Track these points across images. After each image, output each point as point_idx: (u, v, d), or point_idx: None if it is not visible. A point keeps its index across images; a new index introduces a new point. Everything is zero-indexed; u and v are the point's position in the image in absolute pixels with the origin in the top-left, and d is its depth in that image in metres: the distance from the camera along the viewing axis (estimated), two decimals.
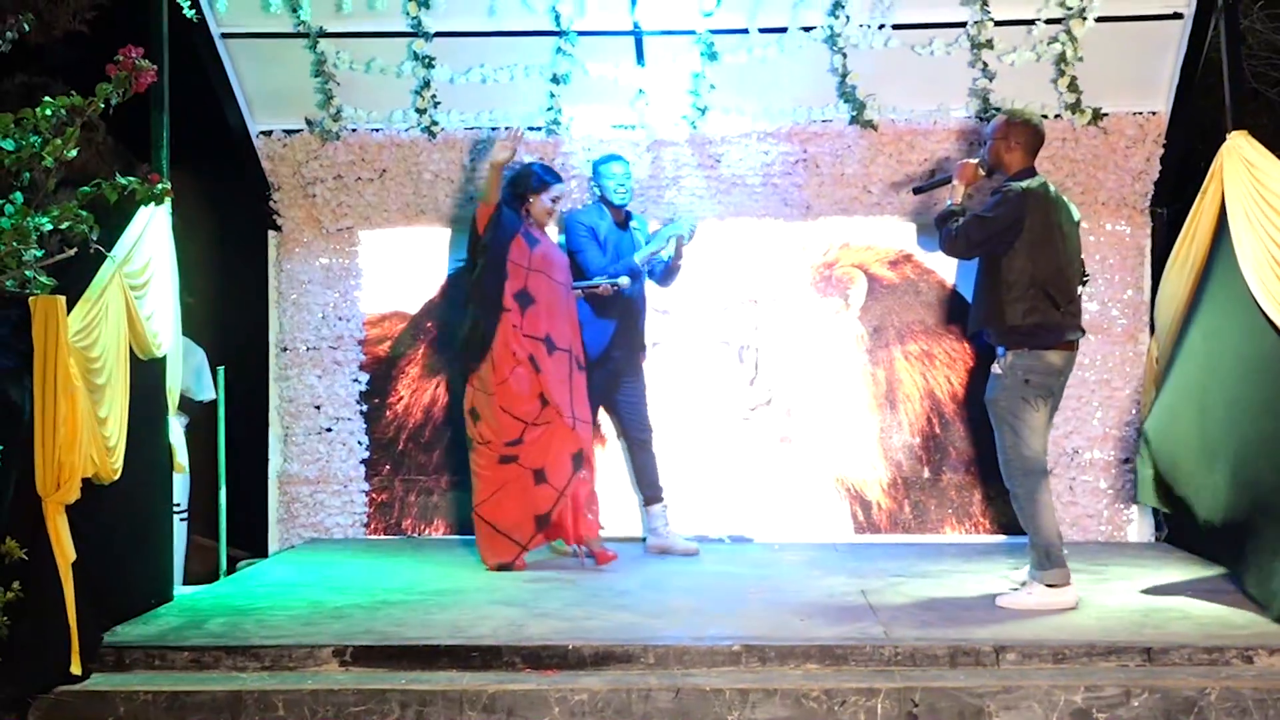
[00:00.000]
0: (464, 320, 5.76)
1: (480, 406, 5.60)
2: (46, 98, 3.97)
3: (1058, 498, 6.44)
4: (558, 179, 5.81)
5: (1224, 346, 5.07)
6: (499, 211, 5.63)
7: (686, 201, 6.53)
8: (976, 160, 5.01)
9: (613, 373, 6.07)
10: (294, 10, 6.01)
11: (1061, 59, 6.06)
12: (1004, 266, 4.69)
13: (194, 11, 5.37)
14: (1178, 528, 6.09)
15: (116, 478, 4.25)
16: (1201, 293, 5.27)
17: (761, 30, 6.09)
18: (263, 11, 5.94)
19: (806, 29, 6.07)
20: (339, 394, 6.64)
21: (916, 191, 5.31)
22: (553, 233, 6.11)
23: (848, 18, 6.01)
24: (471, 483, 5.72)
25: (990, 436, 6.60)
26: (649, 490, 6.14)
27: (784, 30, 6.08)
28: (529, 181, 5.73)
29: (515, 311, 5.59)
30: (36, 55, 6.78)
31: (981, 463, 6.48)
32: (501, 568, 5.55)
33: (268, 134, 6.55)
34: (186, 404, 5.98)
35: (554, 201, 5.77)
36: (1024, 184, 4.76)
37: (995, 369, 4.78)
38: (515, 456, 5.56)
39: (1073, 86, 6.11)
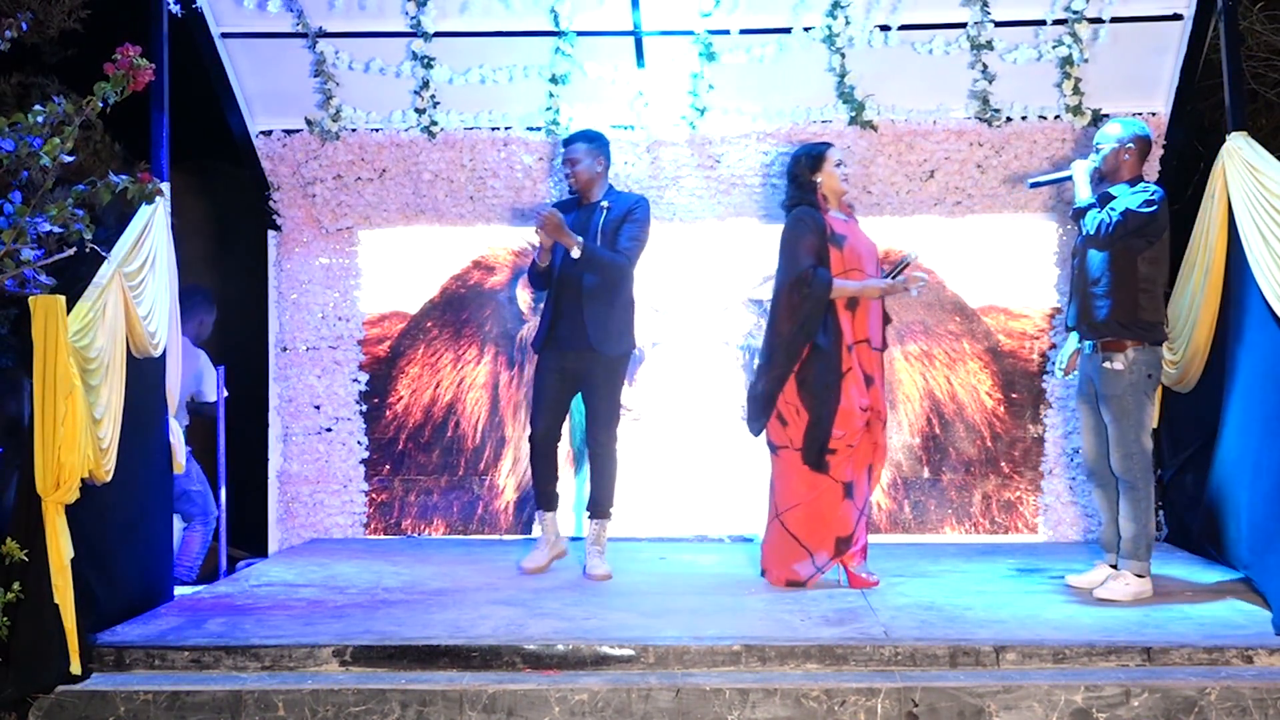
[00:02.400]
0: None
1: (785, 410, 5.04)
2: (37, 105, 3.96)
3: (1057, 498, 6.47)
4: (828, 144, 5.23)
5: (1247, 354, 5.08)
6: (797, 227, 5.03)
7: (686, 202, 6.54)
8: (1090, 163, 5.03)
9: (567, 372, 5.41)
10: (289, 9, 6.02)
11: (1067, 61, 6.07)
12: (1141, 263, 4.82)
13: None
14: (1178, 528, 6.10)
15: (109, 479, 4.25)
16: (1223, 303, 5.29)
17: (761, 30, 6.10)
18: (256, 9, 5.94)
19: (806, 29, 6.07)
20: (338, 394, 6.65)
21: (1033, 186, 5.36)
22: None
23: (847, 19, 6.01)
24: (772, 488, 5.15)
25: (987, 437, 6.63)
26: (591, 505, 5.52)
27: (783, 31, 6.09)
28: (804, 163, 5.13)
29: (846, 318, 5.02)
30: (32, 55, 6.79)
31: (981, 463, 6.49)
32: (792, 584, 5.00)
33: (267, 134, 6.55)
34: (190, 407, 5.99)
35: (839, 166, 5.13)
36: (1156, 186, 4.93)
37: (1111, 365, 4.84)
38: (825, 465, 4.98)
39: (1076, 89, 6.11)
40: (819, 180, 5.11)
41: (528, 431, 5.49)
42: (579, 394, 5.47)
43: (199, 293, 6.18)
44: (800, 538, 5.01)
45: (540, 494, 5.50)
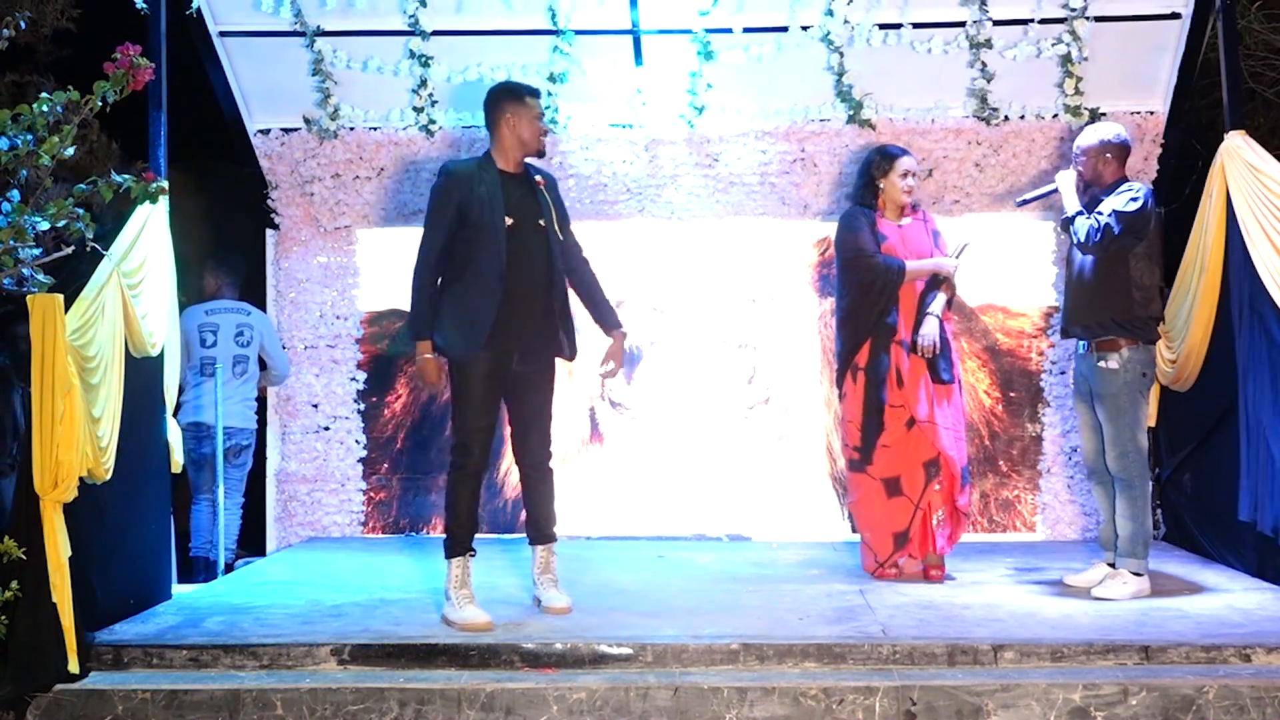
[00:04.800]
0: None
1: (841, 409, 5.33)
2: (44, 93, 3.96)
3: (1056, 497, 6.46)
4: (904, 152, 5.29)
5: (1250, 353, 5.09)
6: (851, 225, 5.20)
7: (684, 201, 6.54)
8: (1074, 173, 5.04)
9: (500, 379, 4.53)
10: (289, 7, 6.01)
11: (1065, 60, 6.07)
12: (1133, 260, 4.82)
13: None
14: (1175, 527, 6.10)
15: (108, 478, 4.25)
16: (1221, 302, 5.29)
17: (759, 29, 6.09)
18: (257, 9, 5.93)
19: (804, 27, 6.07)
20: (336, 392, 6.64)
21: (1020, 204, 5.36)
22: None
23: (846, 17, 6.01)
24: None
25: (985, 435, 6.63)
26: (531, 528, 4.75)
27: (781, 29, 6.09)
28: (871, 164, 5.28)
29: None
30: (26, 54, 6.78)
31: (979, 462, 6.48)
32: (871, 573, 5.24)
33: (266, 132, 6.55)
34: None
35: (904, 178, 5.21)
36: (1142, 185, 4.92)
37: (1105, 364, 4.86)
38: (861, 464, 5.20)
39: (1077, 89, 6.12)
40: (881, 185, 5.27)
41: (462, 460, 4.50)
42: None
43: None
44: (861, 531, 5.35)
45: (468, 536, 4.54)
